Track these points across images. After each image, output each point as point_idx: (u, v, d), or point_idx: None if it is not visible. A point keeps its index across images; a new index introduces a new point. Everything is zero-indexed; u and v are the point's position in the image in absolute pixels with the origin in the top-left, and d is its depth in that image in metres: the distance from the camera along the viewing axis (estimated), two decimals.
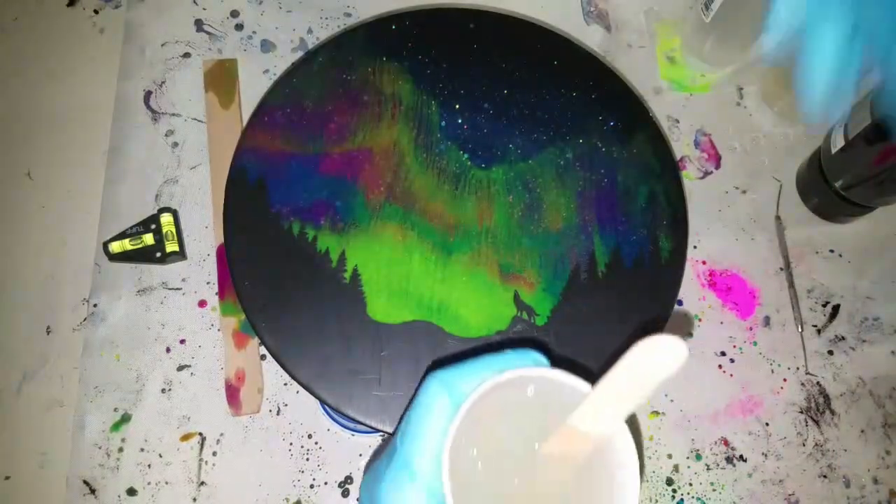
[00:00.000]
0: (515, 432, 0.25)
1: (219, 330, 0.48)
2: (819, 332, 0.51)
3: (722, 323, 0.51)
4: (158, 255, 0.48)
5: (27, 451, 0.46)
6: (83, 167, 0.52)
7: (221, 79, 0.53)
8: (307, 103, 0.46)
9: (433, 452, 0.24)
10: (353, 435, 0.46)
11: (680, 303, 0.51)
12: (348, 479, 0.46)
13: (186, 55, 0.55)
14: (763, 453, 0.48)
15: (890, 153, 0.44)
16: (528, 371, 0.24)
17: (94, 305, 0.48)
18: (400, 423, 0.27)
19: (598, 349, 0.42)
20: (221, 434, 0.46)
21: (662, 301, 0.44)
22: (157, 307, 0.49)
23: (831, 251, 0.53)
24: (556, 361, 0.25)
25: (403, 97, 0.47)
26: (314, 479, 0.46)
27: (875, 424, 0.49)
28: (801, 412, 0.49)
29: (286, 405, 0.47)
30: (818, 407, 0.49)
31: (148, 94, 0.53)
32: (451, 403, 0.25)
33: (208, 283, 0.49)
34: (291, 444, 0.46)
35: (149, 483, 0.45)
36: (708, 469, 0.48)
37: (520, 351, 0.26)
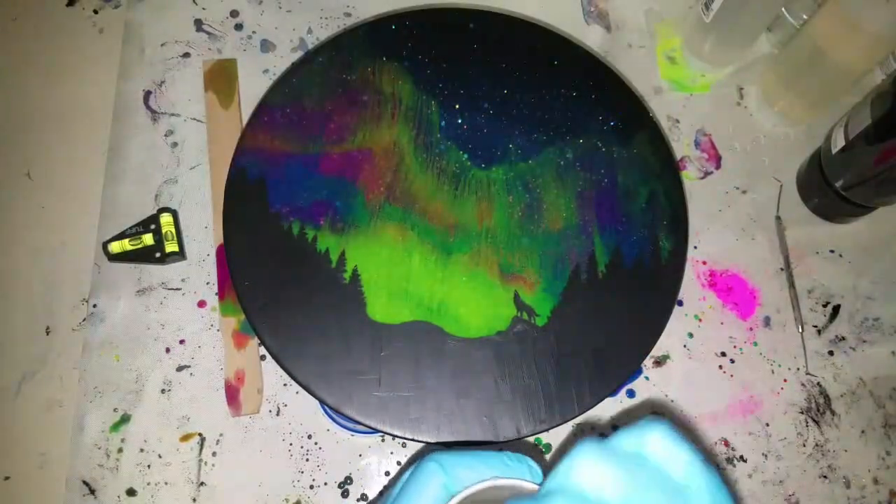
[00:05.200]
0: None
1: (218, 330, 0.48)
2: (819, 332, 0.51)
3: (722, 323, 0.51)
4: (158, 255, 0.48)
5: (27, 452, 0.46)
6: (83, 167, 0.52)
7: (221, 79, 0.53)
8: (307, 103, 0.46)
9: None
10: (352, 435, 0.46)
11: (680, 303, 0.51)
12: (348, 480, 0.46)
13: (186, 55, 0.55)
14: (763, 454, 0.48)
15: (890, 153, 0.44)
16: (524, 484, 0.25)
17: (94, 306, 0.48)
18: (390, 487, 0.28)
19: (597, 349, 0.42)
20: (221, 434, 0.46)
21: (662, 301, 0.43)
22: (157, 307, 0.48)
23: (831, 251, 0.53)
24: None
25: (403, 97, 0.47)
26: (314, 480, 0.46)
27: (875, 425, 0.49)
28: (802, 412, 0.49)
29: (286, 405, 0.47)
30: (818, 407, 0.49)
31: (147, 94, 0.53)
32: (444, 486, 0.26)
33: (208, 283, 0.49)
34: (291, 444, 0.46)
35: (148, 483, 0.45)
36: None
37: (518, 456, 0.28)
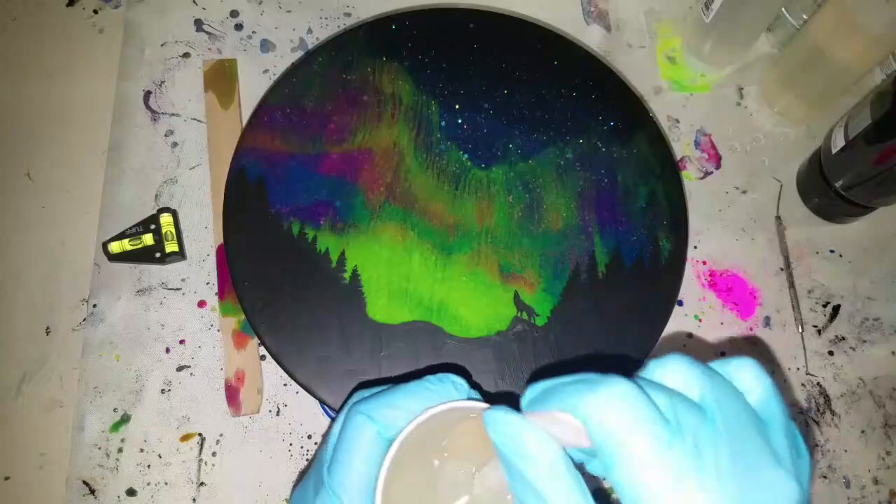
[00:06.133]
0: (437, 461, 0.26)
1: (218, 330, 0.48)
2: (819, 332, 0.51)
3: (722, 323, 0.51)
4: (158, 255, 0.48)
5: (27, 452, 0.46)
6: (83, 167, 0.52)
7: (221, 79, 0.53)
8: (307, 103, 0.46)
9: (361, 483, 0.25)
10: None
11: (680, 303, 0.51)
12: None
13: (186, 55, 0.55)
14: None
15: (890, 153, 0.44)
16: (450, 405, 0.25)
17: (94, 306, 0.48)
18: (320, 451, 0.28)
19: (598, 349, 0.42)
20: (221, 434, 0.46)
21: (662, 301, 0.43)
22: (157, 307, 0.48)
23: (831, 251, 0.53)
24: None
25: (403, 97, 0.47)
26: None
27: (875, 425, 0.49)
28: (802, 413, 0.49)
29: (286, 405, 0.47)
30: (818, 407, 0.49)
31: (147, 94, 0.53)
32: (378, 434, 0.26)
33: (208, 283, 0.49)
34: (291, 444, 0.46)
35: (148, 483, 0.45)
36: None
37: (439, 377, 0.27)
